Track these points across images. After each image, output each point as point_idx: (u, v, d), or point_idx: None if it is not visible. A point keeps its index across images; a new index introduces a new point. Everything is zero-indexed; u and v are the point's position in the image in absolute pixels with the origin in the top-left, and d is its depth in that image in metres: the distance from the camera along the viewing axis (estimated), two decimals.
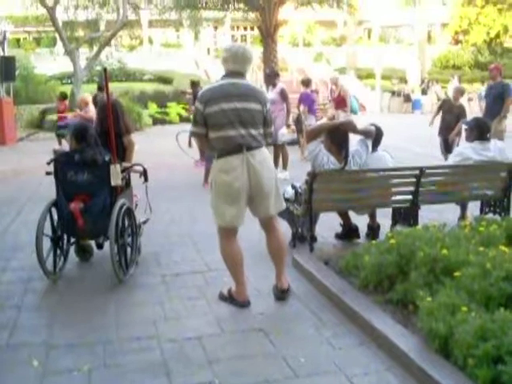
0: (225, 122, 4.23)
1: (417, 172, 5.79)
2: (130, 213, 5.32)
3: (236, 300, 4.52)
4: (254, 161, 4.28)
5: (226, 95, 4.25)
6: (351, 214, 6.14)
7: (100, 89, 13.97)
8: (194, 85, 13.08)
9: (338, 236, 6.17)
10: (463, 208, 6.59)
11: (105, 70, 5.35)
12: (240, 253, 4.53)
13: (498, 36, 40.26)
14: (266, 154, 4.43)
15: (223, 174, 4.28)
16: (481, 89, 28.69)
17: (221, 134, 4.26)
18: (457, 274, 3.92)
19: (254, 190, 4.33)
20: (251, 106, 4.30)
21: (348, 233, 6.14)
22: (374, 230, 6.20)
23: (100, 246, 5.55)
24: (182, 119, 22.28)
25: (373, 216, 6.21)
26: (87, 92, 16.97)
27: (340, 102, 13.82)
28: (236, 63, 4.33)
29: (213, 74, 34.61)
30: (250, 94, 4.33)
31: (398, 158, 6.94)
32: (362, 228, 6.25)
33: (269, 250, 4.67)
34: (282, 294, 4.61)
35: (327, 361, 3.62)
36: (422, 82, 30.92)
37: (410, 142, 15.69)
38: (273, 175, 4.45)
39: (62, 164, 5.16)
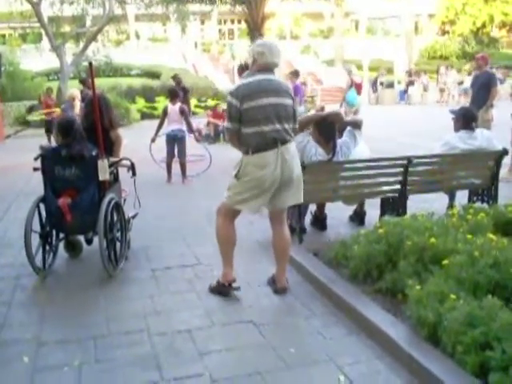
0: (262, 118, 4.22)
1: (405, 161, 5.81)
2: (118, 207, 5.30)
3: (223, 284, 4.54)
4: (288, 155, 4.29)
5: (263, 91, 4.25)
6: (339, 204, 6.18)
7: (82, 83, 13.80)
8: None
9: (312, 223, 6.34)
10: (451, 197, 6.62)
11: (90, 64, 5.31)
12: (235, 234, 4.55)
13: (484, 26, 40.48)
14: (294, 147, 4.45)
15: (258, 169, 4.26)
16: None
17: (256, 129, 4.24)
18: (445, 262, 3.94)
19: (283, 183, 4.34)
20: (285, 101, 4.33)
21: (315, 222, 6.32)
22: (360, 216, 6.36)
23: (89, 242, 5.53)
24: None
25: (361, 205, 6.30)
26: (74, 88, 16.87)
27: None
28: (274, 57, 4.34)
29: (200, 68, 34.63)
30: (283, 90, 4.36)
31: (385, 149, 6.97)
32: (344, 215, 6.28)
33: (273, 246, 4.65)
34: (281, 292, 4.60)
35: (318, 351, 3.64)
36: (409, 73, 30.93)
37: (397, 132, 15.77)
38: (300, 169, 4.48)
39: (49, 159, 5.13)
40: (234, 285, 4.58)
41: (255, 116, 4.23)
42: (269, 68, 4.37)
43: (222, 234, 4.55)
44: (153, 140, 9.65)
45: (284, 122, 4.31)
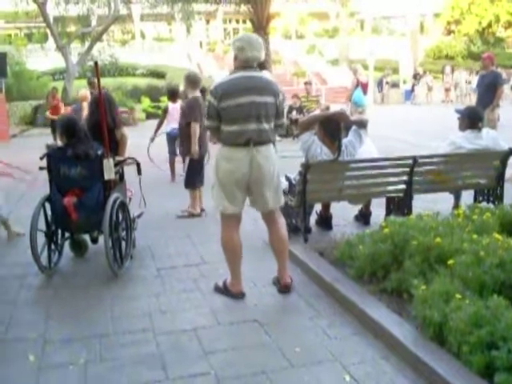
0: (239, 117, 4.20)
1: (410, 161, 5.79)
2: (123, 207, 5.31)
3: (230, 291, 4.53)
4: (260, 156, 4.26)
5: (241, 89, 4.20)
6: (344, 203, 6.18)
7: (90, 84, 13.87)
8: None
9: (317, 223, 6.32)
10: (457, 197, 6.60)
11: (95, 63, 5.33)
12: (240, 244, 4.51)
13: (489, 26, 40.32)
14: (271, 150, 4.38)
15: (226, 161, 4.29)
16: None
17: (233, 128, 4.22)
18: (451, 262, 3.93)
19: (253, 182, 4.32)
20: (266, 100, 4.26)
21: (320, 222, 6.29)
22: (365, 216, 6.34)
23: (95, 241, 5.54)
24: None
25: (367, 205, 6.29)
26: (79, 88, 16.90)
27: None
28: (254, 50, 4.24)
29: (205, 68, 34.66)
30: (264, 87, 4.28)
31: (390, 148, 6.95)
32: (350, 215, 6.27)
33: (270, 244, 4.66)
34: (285, 289, 4.60)
35: (323, 350, 3.64)
36: (415, 76, 30.83)
37: (403, 132, 15.74)
38: (275, 172, 4.40)
39: (55, 159, 5.14)
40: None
41: (232, 115, 4.21)
42: (250, 63, 4.28)
43: (224, 243, 4.53)
44: (152, 139, 9.64)
45: (264, 120, 4.26)
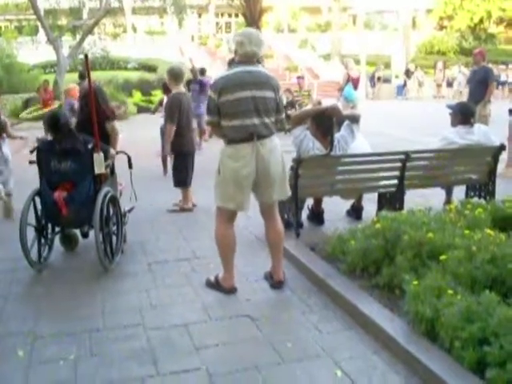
0: (238, 111, 4.19)
1: (402, 156, 5.79)
2: (114, 201, 5.28)
3: (222, 286, 4.51)
4: (264, 149, 4.24)
5: (241, 84, 4.19)
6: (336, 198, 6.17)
7: (82, 77, 13.84)
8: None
9: (308, 218, 6.31)
10: (448, 192, 6.62)
11: (86, 56, 5.29)
12: (234, 239, 4.51)
13: (481, 21, 40.41)
14: (275, 142, 4.37)
15: (232, 160, 4.26)
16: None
17: (234, 123, 4.21)
18: (442, 257, 3.93)
19: (260, 177, 4.29)
20: (266, 94, 4.26)
21: (312, 216, 6.29)
22: (357, 211, 6.34)
23: (85, 235, 5.50)
24: None
25: (359, 200, 6.29)
26: (70, 81, 16.79)
27: None
28: (253, 45, 4.24)
29: (197, 61, 34.52)
30: (264, 82, 4.28)
31: (382, 143, 6.94)
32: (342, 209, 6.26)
33: (267, 237, 4.64)
34: (277, 285, 4.59)
35: (314, 345, 3.63)
36: (407, 72, 30.82)
37: (395, 127, 15.77)
38: (280, 164, 4.39)
39: (45, 152, 5.10)
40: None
41: (232, 109, 4.20)
42: (249, 58, 4.28)
43: (219, 238, 4.51)
44: (153, 112, 9.58)
45: (263, 115, 4.25)
